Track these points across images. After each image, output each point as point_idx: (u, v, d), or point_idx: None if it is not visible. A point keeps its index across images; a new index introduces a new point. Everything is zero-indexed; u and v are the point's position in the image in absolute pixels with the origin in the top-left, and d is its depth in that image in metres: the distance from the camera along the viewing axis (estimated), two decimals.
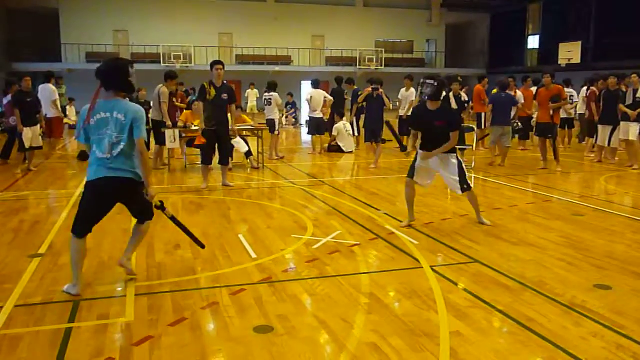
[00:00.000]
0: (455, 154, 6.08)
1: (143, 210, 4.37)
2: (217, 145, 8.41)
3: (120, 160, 4.03)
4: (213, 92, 8.10)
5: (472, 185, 6.24)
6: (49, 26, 30.73)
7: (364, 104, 11.09)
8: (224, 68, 8.31)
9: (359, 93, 13.50)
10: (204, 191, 8.25)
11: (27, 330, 3.53)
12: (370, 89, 10.86)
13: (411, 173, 6.14)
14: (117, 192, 4.15)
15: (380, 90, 10.75)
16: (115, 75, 4.09)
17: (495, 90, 12.11)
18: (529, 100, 12.30)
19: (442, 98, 6.00)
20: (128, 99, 4.20)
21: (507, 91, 11.39)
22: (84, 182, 4.20)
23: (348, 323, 3.64)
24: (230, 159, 9.45)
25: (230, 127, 8.53)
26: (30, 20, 29.61)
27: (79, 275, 4.12)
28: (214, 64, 8.28)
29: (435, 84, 5.79)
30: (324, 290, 4.24)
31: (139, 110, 4.11)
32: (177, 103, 11.97)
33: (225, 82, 8.35)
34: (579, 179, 9.77)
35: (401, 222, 6.30)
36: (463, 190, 6.06)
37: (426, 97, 5.87)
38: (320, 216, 6.70)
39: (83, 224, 4.12)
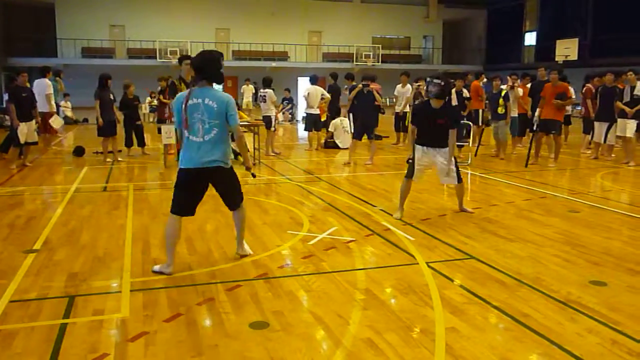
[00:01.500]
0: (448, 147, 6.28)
1: (228, 197, 4.68)
2: None
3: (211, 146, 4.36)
4: (183, 87, 8.09)
5: (462, 179, 6.52)
6: (44, 21, 30.64)
7: (355, 101, 11.07)
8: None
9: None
10: None
11: (22, 326, 3.52)
12: (361, 85, 10.84)
13: (410, 174, 6.36)
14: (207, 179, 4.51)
15: (372, 86, 10.73)
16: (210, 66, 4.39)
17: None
18: (526, 97, 12.29)
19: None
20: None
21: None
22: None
23: (344, 319, 3.64)
24: None
25: None
26: (26, 14, 29.49)
27: (173, 255, 4.49)
28: (182, 59, 8.27)
29: (442, 83, 6.06)
30: (320, 286, 4.24)
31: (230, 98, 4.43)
32: (164, 100, 12.01)
33: (193, 77, 8.28)
34: (575, 175, 9.79)
35: (397, 218, 6.31)
36: (459, 180, 6.35)
37: (432, 96, 6.11)
38: (316, 212, 6.69)
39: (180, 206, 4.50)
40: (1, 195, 7.63)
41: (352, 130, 13.27)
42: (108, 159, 10.76)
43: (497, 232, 5.81)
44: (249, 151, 5.35)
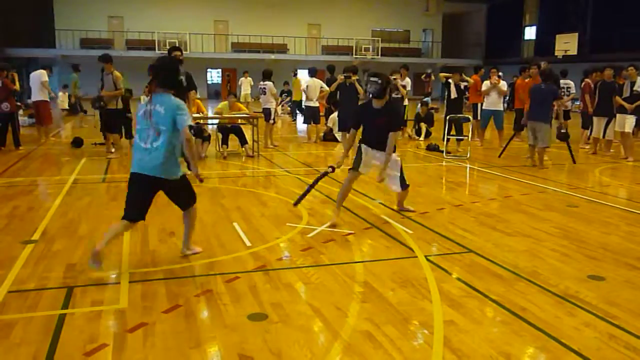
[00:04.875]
0: (396, 153, 5.90)
1: (177, 202, 4.60)
2: None
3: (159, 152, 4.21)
4: None
5: (409, 184, 6.09)
6: (42, 12, 30.48)
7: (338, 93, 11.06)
8: (182, 55, 8.23)
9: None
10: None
11: (21, 316, 3.52)
12: (342, 77, 10.81)
13: (357, 166, 5.89)
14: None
15: (353, 78, 10.71)
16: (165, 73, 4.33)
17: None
18: (526, 91, 12.27)
19: (388, 96, 5.81)
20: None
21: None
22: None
23: (342, 311, 3.65)
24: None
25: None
26: (24, 5, 29.31)
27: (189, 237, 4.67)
28: (172, 50, 8.21)
29: (380, 82, 5.63)
30: (319, 279, 4.25)
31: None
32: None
33: (181, 68, 8.23)
34: (573, 170, 9.79)
35: (395, 211, 6.31)
36: (403, 187, 5.97)
37: (371, 95, 5.72)
38: (315, 205, 6.69)
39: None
40: (0, 186, 7.62)
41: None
42: (112, 149, 10.76)
43: (496, 226, 5.82)
44: (200, 158, 5.20)
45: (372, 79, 5.68)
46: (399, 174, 5.89)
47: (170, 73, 4.36)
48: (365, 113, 5.90)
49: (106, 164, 9.56)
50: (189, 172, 4.55)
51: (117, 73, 10.04)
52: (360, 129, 5.97)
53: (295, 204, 5.90)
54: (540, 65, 11.98)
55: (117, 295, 3.88)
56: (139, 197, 4.32)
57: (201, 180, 4.67)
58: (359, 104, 5.98)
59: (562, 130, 10.31)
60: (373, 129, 5.83)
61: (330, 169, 5.75)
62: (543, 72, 10.19)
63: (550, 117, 9.51)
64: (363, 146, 5.96)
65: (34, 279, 4.16)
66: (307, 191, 5.82)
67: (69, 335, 3.26)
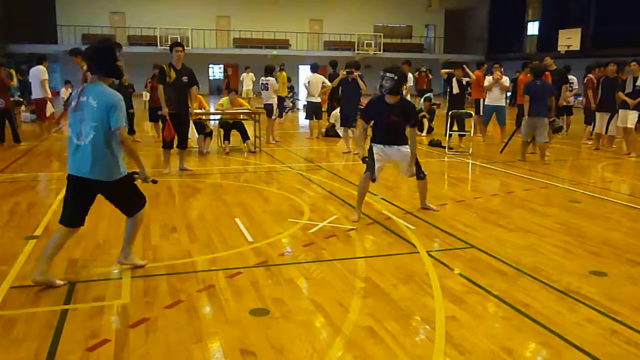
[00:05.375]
0: (407, 145, 5.84)
1: (120, 208, 4.17)
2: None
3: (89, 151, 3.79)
4: (173, 74, 7.97)
5: (426, 174, 6.09)
6: (44, 7, 30.44)
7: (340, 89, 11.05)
8: (183, 50, 8.17)
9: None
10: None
11: (23, 312, 3.52)
12: (344, 72, 10.78)
13: (372, 170, 5.76)
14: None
15: (355, 73, 10.68)
16: (100, 58, 3.88)
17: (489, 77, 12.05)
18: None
19: (401, 92, 5.76)
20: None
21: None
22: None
23: (344, 307, 3.65)
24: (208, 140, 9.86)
25: (189, 111, 8.28)
26: (26, 1, 29.29)
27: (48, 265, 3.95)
28: (174, 45, 8.16)
29: (395, 77, 5.53)
30: (320, 274, 4.25)
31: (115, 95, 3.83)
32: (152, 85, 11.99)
33: (184, 64, 8.21)
34: (576, 166, 9.77)
35: (398, 206, 6.30)
36: (420, 177, 5.97)
37: (385, 91, 5.61)
38: (316, 200, 6.69)
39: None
40: (2, 182, 7.63)
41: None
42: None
43: (498, 222, 5.81)
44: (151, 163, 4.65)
45: (387, 74, 5.58)
46: (414, 166, 5.86)
47: (107, 57, 3.86)
48: (378, 108, 5.77)
49: None
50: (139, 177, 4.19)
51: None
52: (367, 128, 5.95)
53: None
54: (544, 61, 11.92)
55: (119, 290, 3.88)
56: (72, 202, 3.94)
57: (154, 182, 4.31)
58: (372, 98, 5.84)
59: (556, 125, 10.44)
60: (385, 125, 5.73)
61: (366, 159, 5.78)
62: (532, 69, 10.17)
63: (548, 112, 9.55)
64: (375, 147, 5.81)
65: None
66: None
67: (71, 331, 3.27)
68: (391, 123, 5.69)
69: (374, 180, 5.81)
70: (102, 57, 3.87)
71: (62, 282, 3.94)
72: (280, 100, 13.33)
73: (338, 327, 3.36)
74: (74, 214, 3.95)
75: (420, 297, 3.83)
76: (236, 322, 3.41)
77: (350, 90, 10.74)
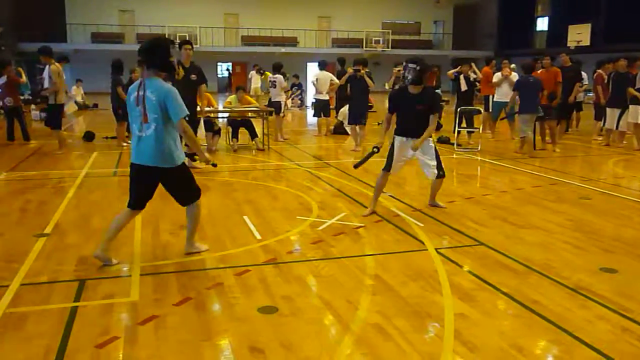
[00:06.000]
0: (431, 138, 5.91)
1: (176, 196, 4.45)
2: None
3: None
4: (182, 72, 8.00)
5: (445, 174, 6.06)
6: (54, 6, 30.61)
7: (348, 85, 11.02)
8: (192, 48, 8.19)
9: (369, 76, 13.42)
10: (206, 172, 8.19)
11: (33, 309, 3.55)
12: (352, 70, 10.74)
13: (388, 167, 5.92)
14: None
15: (363, 71, 10.63)
16: (156, 54, 4.14)
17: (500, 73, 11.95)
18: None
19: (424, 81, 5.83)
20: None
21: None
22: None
23: (353, 304, 3.65)
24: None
25: (198, 109, 8.33)
26: (36, 0, 29.44)
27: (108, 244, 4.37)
28: (182, 43, 8.18)
29: (418, 67, 5.63)
30: (329, 272, 4.24)
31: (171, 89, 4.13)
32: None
33: (193, 62, 8.22)
34: (586, 162, 9.71)
35: (406, 204, 6.29)
36: (439, 176, 5.94)
37: (409, 82, 5.70)
38: (325, 198, 6.69)
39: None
40: (12, 180, 7.68)
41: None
42: (124, 143, 10.82)
43: (507, 219, 5.78)
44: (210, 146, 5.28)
45: (410, 65, 5.69)
46: (435, 162, 5.86)
47: (163, 53, 4.13)
48: (403, 98, 5.84)
49: (117, 157, 9.60)
50: (199, 164, 4.56)
51: (54, 66, 9.65)
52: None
53: (356, 167, 6.05)
54: (561, 57, 11.78)
55: (129, 288, 3.90)
56: (136, 188, 4.30)
57: (214, 165, 4.76)
58: (396, 88, 5.95)
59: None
60: (411, 115, 5.77)
61: (376, 149, 5.75)
62: (523, 66, 10.31)
63: (538, 108, 9.76)
64: (397, 139, 5.88)
65: (46, 272, 4.19)
66: (365, 160, 5.93)
67: (81, 328, 3.29)
68: (417, 112, 5.74)
69: (391, 173, 5.97)
70: (157, 53, 4.13)
71: (115, 261, 4.34)
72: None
73: (347, 324, 3.36)
74: (137, 198, 4.33)
75: (430, 295, 3.81)
76: (245, 320, 3.41)
77: (358, 88, 10.72)
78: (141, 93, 4.06)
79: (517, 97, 9.93)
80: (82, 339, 3.15)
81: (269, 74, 14.09)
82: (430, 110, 5.74)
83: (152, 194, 4.36)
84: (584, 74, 13.39)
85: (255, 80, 21.65)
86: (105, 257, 4.29)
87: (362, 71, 10.64)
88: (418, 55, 13.35)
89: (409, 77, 5.66)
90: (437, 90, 15.57)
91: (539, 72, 12.28)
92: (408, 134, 5.80)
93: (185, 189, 4.39)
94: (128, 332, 3.25)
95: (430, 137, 5.87)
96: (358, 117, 10.70)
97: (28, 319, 3.40)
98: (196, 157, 4.61)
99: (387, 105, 6.19)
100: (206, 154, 4.63)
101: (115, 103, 10.79)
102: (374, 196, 6.03)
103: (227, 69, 36.17)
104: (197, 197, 4.44)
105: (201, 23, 32.03)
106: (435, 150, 5.91)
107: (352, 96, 11.04)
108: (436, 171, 5.86)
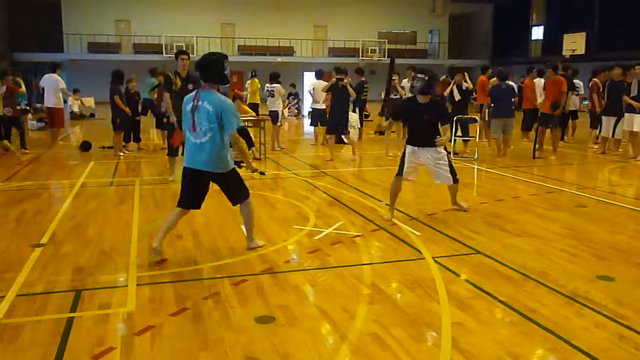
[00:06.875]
0: (443, 146, 6.04)
1: (228, 196, 4.84)
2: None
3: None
4: (179, 82, 8.01)
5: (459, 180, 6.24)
6: (50, 16, 30.62)
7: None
8: (189, 58, 8.21)
9: (364, 86, 13.44)
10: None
11: (29, 319, 3.53)
12: (334, 79, 10.72)
13: (400, 172, 6.06)
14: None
15: (345, 80, 10.63)
16: (213, 67, 4.51)
17: (493, 80, 12.00)
18: (534, 91, 12.19)
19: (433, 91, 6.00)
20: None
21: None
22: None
23: (350, 313, 3.64)
24: None
25: None
26: (32, 9, 29.49)
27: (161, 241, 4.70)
28: (179, 53, 8.22)
29: (426, 78, 5.80)
30: (326, 281, 4.24)
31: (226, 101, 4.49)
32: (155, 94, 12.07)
33: (189, 72, 8.23)
34: (582, 170, 9.74)
35: (403, 212, 6.30)
36: (455, 181, 6.11)
37: (417, 91, 5.87)
38: (322, 207, 6.69)
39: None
40: (8, 190, 7.66)
41: (359, 125, 13.27)
42: (121, 153, 10.85)
43: (504, 227, 5.79)
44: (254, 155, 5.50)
45: (418, 75, 5.88)
46: (448, 168, 6.01)
47: (218, 66, 4.50)
48: (411, 108, 6.01)
49: (114, 167, 9.59)
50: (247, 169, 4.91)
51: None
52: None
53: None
54: (558, 65, 11.84)
55: (125, 298, 3.89)
56: (189, 189, 4.65)
57: (262, 173, 5.12)
58: (405, 97, 6.14)
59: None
60: (419, 125, 5.94)
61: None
62: (498, 73, 11.08)
63: (513, 112, 10.84)
64: (408, 148, 6.04)
65: (42, 282, 4.18)
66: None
67: (77, 338, 3.27)
68: (424, 122, 5.89)
69: (403, 178, 6.07)
70: (214, 67, 4.51)
71: (167, 257, 4.67)
72: (254, 107, 13.33)
73: (344, 333, 3.35)
74: (189, 199, 4.68)
75: (426, 303, 3.81)
76: (242, 329, 3.40)
77: (340, 97, 10.61)
78: (198, 103, 4.44)
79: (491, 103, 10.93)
80: (78, 350, 3.14)
81: (257, 81, 14.15)
82: (437, 119, 5.91)
83: (204, 195, 4.72)
84: (579, 82, 13.49)
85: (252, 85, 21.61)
86: (161, 250, 4.61)
87: (344, 80, 10.61)
88: (414, 65, 13.44)
89: (417, 86, 5.84)
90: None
91: (534, 80, 12.37)
92: (417, 144, 5.98)
93: (237, 190, 4.78)
94: (124, 342, 3.24)
95: (442, 146, 5.99)
96: (336, 126, 10.61)
97: (24, 329, 3.39)
98: (242, 164, 4.91)
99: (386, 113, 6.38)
100: (253, 164, 5.00)
101: (114, 113, 10.81)
102: (390, 201, 6.18)
103: None
104: (247, 196, 4.81)
105: (198, 33, 32.08)
106: (448, 158, 6.08)
107: (332, 105, 10.91)
108: (450, 176, 6.04)
